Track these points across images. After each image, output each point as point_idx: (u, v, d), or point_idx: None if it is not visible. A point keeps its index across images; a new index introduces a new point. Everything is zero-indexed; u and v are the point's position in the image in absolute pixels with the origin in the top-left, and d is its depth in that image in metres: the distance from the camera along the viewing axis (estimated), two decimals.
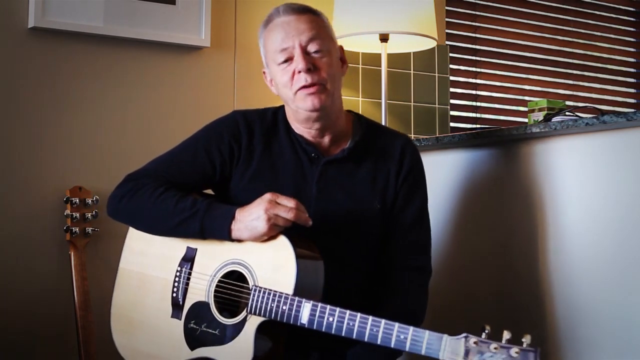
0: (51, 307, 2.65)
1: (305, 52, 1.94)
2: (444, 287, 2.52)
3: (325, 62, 1.95)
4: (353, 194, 2.01)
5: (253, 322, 1.81)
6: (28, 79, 2.69)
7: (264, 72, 2.07)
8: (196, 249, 1.95)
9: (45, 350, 2.64)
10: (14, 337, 2.60)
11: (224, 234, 1.86)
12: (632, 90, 4.35)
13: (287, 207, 1.81)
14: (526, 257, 2.33)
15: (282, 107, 2.08)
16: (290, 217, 1.80)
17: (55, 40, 2.73)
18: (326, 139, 2.02)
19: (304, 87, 1.93)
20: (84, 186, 2.68)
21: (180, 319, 1.92)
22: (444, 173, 2.58)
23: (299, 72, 1.93)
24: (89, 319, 2.56)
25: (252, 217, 1.83)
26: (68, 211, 2.65)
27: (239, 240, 1.87)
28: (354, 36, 3.04)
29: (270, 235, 1.83)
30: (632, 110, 3.73)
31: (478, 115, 3.83)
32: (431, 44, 3.14)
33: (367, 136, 2.06)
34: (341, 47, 2.06)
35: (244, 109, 2.11)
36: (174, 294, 1.94)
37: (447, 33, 3.68)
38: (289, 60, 1.95)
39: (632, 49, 4.36)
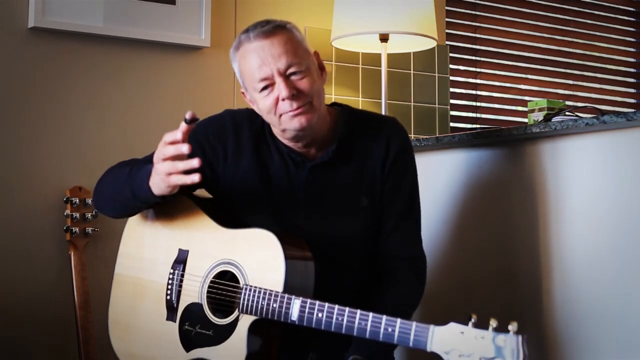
0: (51, 307, 2.65)
1: (285, 77, 1.87)
2: (444, 287, 2.52)
3: (307, 82, 1.89)
4: (340, 195, 1.99)
5: (245, 321, 1.81)
6: (28, 79, 2.69)
7: (242, 93, 2.00)
8: (187, 251, 1.94)
9: (46, 350, 2.65)
10: (14, 337, 2.60)
11: (147, 192, 1.82)
12: (632, 90, 4.35)
13: (173, 156, 1.75)
14: (526, 256, 2.33)
15: None
16: (174, 167, 1.75)
17: (55, 40, 2.73)
18: (312, 149, 2.00)
19: (289, 112, 1.88)
20: (84, 186, 2.68)
21: (175, 322, 1.92)
22: (443, 173, 2.58)
23: (283, 99, 1.87)
24: (89, 319, 2.57)
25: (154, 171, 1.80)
26: (68, 211, 2.65)
27: (164, 197, 1.83)
28: (354, 36, 3.04)
29: (175, 187, 1.78)
30: (632, 110, 3.74)
31: (478, 115, 3.83)
32: (431, 44, 3.14)
33: (351, 133, 2.02)
34: (317, 53, 1.99)
35: (237, 108, 2.09)
36: (168, 297, 1.94)
37: (447, 33, 3.68)
38: (269, 87, 1.88)
39: (632, 49, 4.37)
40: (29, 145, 2.67)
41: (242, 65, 1.93)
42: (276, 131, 1.99)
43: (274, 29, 1.90)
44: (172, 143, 1.76)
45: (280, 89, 1.86)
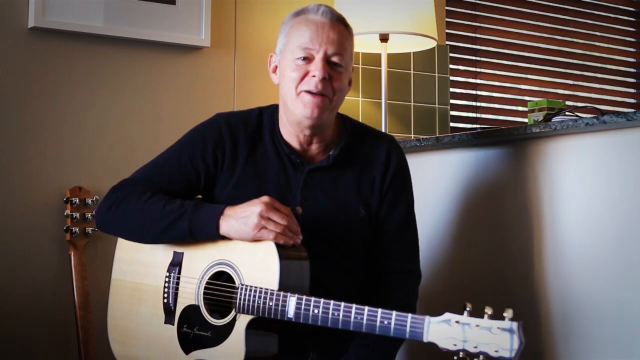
0: (51, 307, 2.65)
1: (326, 61, 1.93)
2: (443, 287, 2.52)
3: (340, 77, 1.96)
4: (337, 201, 2.00)
5: (242, 321, 1.81)
6: (28, 79, 2.69)
7: (270, 56, 2.04)
8: (182, 253, 1.95)
9: (45, 350, 2.65)
10: (14, 337, 2.60)
11: (212, 229, 1.86)
12: (632, 90, 4.35)
13: (278, 223, 1.81)
14: (526, 256, 2.33)
15: (268, 108, 2.07)
16: (278, 230, 1.80)
17: (55, 40, 2.73)
18: (313, 147, 2.01)
19: (311, 92, 1.92)
20: (84, 186, 2.68)
21: (173, 324, 1.92)
22: (443, 173, 2.58)
23: (313, 76, 1.92)
24: (89, 319, 2.57)
25: (244, 214, 1.82)
26: (68, 211, 2.65)
27: (228, 238, 1.86)
28: (354, 36, 3.03)
29: (256, 239, 1.82)
30: (632, 110, 3.73)
31: (478, 115, 3.83)
32: (431, 44, 3.14)
33: (352, 142, 2.05)
34: (353, 68, 2.06)
35: (228, 111, 2.09)
36: (165, 300, 1.94)
37: (447, 33, 3.68)
38: (307, 59, 1.93)
39: (632, 49, 4.37)
40: (29, 145, 2.67)
41: (294, 29, 1.97)
42: (283, 110, 2.00)
43: (340, 20, 1.99)
44: (291, 229, 1.82)
45: (318, 67, 1.92)
